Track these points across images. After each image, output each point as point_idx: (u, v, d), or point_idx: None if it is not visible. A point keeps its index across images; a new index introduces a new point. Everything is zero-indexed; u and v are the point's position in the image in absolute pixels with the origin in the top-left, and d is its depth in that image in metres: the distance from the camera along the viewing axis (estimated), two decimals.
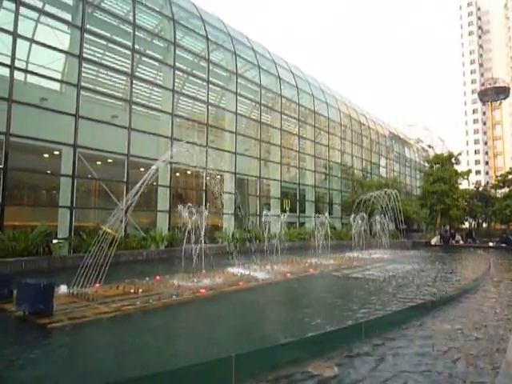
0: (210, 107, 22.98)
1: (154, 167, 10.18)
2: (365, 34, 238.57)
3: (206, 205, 21.36)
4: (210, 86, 23.10)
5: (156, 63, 22.28)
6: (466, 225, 49.16)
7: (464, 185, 43.48)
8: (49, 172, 17.82)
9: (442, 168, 38.02)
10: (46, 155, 17.91)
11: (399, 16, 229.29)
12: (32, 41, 16.09)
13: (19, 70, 14.92)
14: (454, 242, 34.51)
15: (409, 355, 4.98)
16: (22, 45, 15.14)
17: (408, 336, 5.83)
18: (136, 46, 19.20)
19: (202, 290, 8.61)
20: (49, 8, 16.88)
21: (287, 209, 27.85)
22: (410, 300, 8.28)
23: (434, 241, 32.70)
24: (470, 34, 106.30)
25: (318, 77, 36.16)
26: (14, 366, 4.53)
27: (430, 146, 58.17)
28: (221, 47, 24.49)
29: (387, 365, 4.66)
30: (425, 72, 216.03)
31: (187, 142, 12.39)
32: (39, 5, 16.57)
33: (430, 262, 18.04)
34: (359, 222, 21.19)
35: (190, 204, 11.02)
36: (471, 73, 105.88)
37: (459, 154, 39.72)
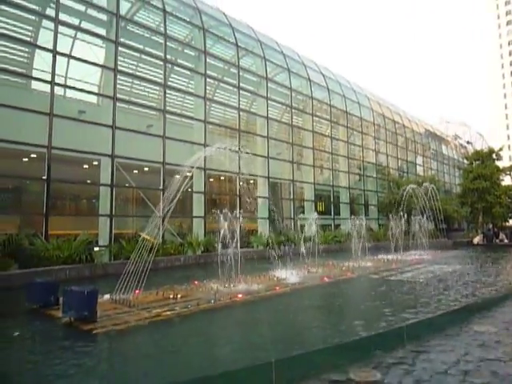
0: (241, 112, 23.15)
1: (184, 170, 10.35)
2: (398, 30, 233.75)
3: (240, 209, 21.55)
4: (241, 91, 23.28)
5: (188, 72, 22.70)
6: (511, 223, 47.06)
7: (507, 181, 41.70)
8: (89, 182, 18.49)
9: (483, 164, 36.66)
10: (86, 166, 18.59)
11: (433, 8, 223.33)
12: (70, 56, 16.80)
13: (59, 85, 15.58)
14: (497, 240, 33.08)
15: (451, 362, 4.81)
16: (60, 61, 15.82)
17: (451, 340, 5.63)
18: (168, 56, 19.64)
19: (240, 295, 8.66)
20: (85, 24, 17.59)
21: (321, 211, 27.60)
22: (453, 303, 7.99)
23: (476, 240, 31.49)
24: (508, 23, 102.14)
25: (349, 75, 35.76)
26: (65, 369, 4.71)
27: (468, 142, 56.12)
28: (250, 53, 24.66)
29: (429, 370, 4.51)
30: (461, 66, 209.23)
31: (219, 148, 12.56)
32: (76, 22, 17.29)
33: (472, 262, 17.38)
34: (397, 222, 20.70)
35: (224, 209, 11.11)
36: (510, 64, 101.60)
37: (500, 149, 38.16)
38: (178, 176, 10.76)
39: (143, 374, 4.64)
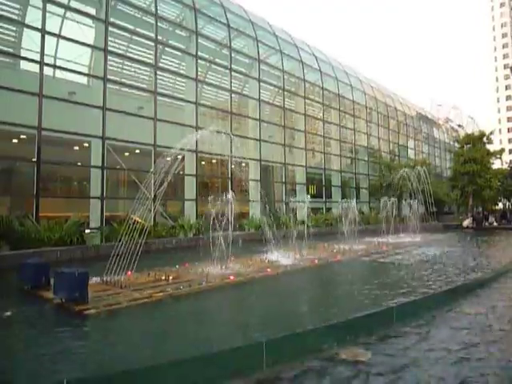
0: (233, 95, 22.96)
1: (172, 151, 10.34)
2: (390, 12, 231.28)
3: (232, 192, 21.57)
4: (233, 73, 23.05)
5: (179, 53, 22.39)
6: (500, 206, 47.73)
7: (497, 164, 42.13)
8: (79, 164, 18.35)
9: (474, 148, 36.95)
10: (77, 148, 18.43)
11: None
12: (59, 36, 16.46)
13: (48, 65, 15.32)
14: (487, 223, 33.59)
15: (441, 340, 4.95)
16: (49, 41, 15.51)
17: (440, 320, 5.79)
18: (159, 37, 19.33)
19: (231, 277, 8.76)
20: (74, 4, 17.18)
21: (313, 194, 27.73)
22: (442, 284, 8.17)
23: (466, 223, 31.89)
24: (502, 5, 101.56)
25: (342, 58, 35.48)
26: (57, 347, 4.78)
27: (459, 126, 56.28)
28: (242, 34, 24.34)
29: (420, 349, 4.64)
30: (453, 49, 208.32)
31: (211, 130, 12.53)
32: (65, 1, 16.88)
33: (460, 245, 17.68)
34: (387, 205, 20.88)
35: (216, 192, 11.15)
36: (503, 47, 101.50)
37: (491, 132, 38.45)
38: (168, 158, 10.74)
39: (132, 354, 4.71)
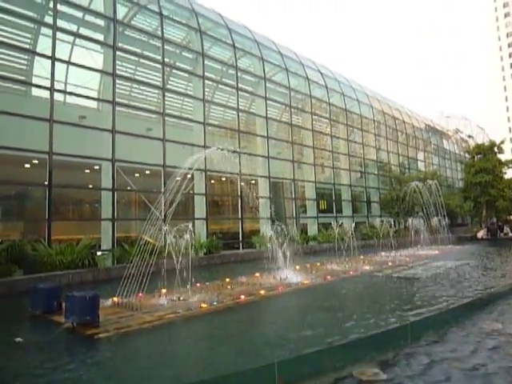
0: (240, 113, 23.17)
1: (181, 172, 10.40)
2: (394, 24, 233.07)
3: (241, 210, 21.58)
4: (240, 92, 23.31)
5: (186, 74, 22.74)
6: None
7: (510, 174, 41.59)
8: (90, 187, 18.56)
9: (485, 158, 36.63)
10: (87, 171, 18.66)
11: (432, 3, 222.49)
12: (69, 63, 16.87)
13: (58, 91, 15.65)
14: (502, 234, 33.00)
15: (457, 358, 4.82)
16: (59, 67, 15.90)
17: (456, 336, 5.65)
18: (166, 59, 19.69)
19: (242, 296, 8.68)
20: (83, 30, 17.65)
21: (323, 209, 27.60)
22: (457, 298, 8.01)
23: (480, 234, 31.38)
24: (506, 15, 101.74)
25: (347, 73, 35.71)
26: (64, 374, 4.74)
27: (469, 136, 55.89)
28: (248, 53, 24.70)
29: (435, 367, 4.53)
30: (460, 60, 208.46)
31: (219, 149, 12.60)
32: (74, 28, 17.36)
33: (475, 257, 17.35)
34: (400, 219, 20.67)
35: (226, 210, 11.15)
36: (510, 56, 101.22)
37: (502, 142, 38.12)
38: (178, 178, 10.82)
39: (143, 377, 4.66)
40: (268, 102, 24.86)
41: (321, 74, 30.26)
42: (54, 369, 4.93)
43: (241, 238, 20.95)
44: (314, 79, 29.00)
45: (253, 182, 23.51)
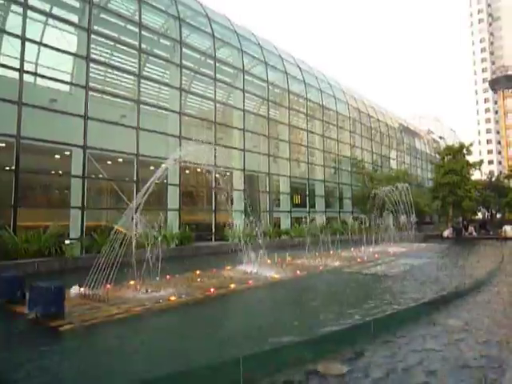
0: (217, 104, 22.98)
1: (163, 166, 10.28)
2: (371, 25, 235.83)
3: (215, 202, 21.46)
4: (217, 83, 23.11)
5: (163, 62, 22.35)
6: (479, 216, 48.68)
7: (476, 175, 42.99)
8: (60, 173, 18.06)
9: (454, 159, 37.64)
10: (57, 156, 18.13)
11: (406, 6, 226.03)
12: (40, 44, 16.26)
13: (28, 73, 15.07)
14: (467, 233, 34.17)
15: (419, 352, 4.97)
16: (30, 48, 15.30)
17: (418, 333, 5.82)
18: (143, 46, 19.26)
19: (212, 289, 8.65)
20: (56, 11, 17.02)
21: (297, 204, 27.83)
22: (421, 296, 8.22)
23: (446, 233, 32.37)
24: (480, 21, 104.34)
25: (325, 70, 35.94)
26: (25, 367, 4.61)
27: (440, 138, 57.46)
28: (227, 44, 24.44)
29: (398, 362, 4.66)
30: (434, 63, 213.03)
31: (195, 141, 12.48)
32: (47, 8, 16.71)
33: (439, 256, 17.93)
34: (370, 216, 21.06)
35: (200, 202, 11.07)
36: (482, 61, 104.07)
37: (470, 144, 39.23)
38: (152, 167, 10.66)
39: (105, 371, 4.57)
40: (246, 94, 24.73)
41: (299, 68, 30.32)
42: (10, 360, 4.79)
43: (214, 230, 20.90)
44: (292, 74, 29.04)
45: (227, 174, 23.41)
